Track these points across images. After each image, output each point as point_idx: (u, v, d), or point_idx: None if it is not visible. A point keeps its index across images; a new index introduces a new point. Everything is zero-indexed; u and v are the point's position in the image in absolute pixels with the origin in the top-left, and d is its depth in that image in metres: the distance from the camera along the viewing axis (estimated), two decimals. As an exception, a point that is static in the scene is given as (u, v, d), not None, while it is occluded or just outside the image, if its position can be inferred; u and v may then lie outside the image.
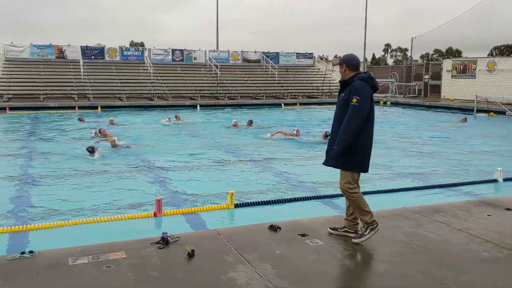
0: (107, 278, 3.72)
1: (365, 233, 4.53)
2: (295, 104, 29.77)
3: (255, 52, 37.76)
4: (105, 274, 3.79)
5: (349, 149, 4.40)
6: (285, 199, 7.44)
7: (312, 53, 39.95)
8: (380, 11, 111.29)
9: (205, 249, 4.34)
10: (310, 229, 4.93)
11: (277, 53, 38.32)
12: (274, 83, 34.71)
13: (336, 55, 71.50)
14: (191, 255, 4.15)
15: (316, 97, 33.28)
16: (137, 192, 8.18)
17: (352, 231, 4.70)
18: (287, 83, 34.97)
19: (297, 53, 39.15)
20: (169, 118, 19.41)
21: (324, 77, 36.23)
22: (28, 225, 5.99)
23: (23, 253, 4.17)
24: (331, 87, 35.68)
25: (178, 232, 4.79)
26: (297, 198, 7.45)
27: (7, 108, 23.53)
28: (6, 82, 28.22)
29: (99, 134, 14.34)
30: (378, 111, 26.61)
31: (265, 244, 4.53)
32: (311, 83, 36.07)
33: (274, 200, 7.39)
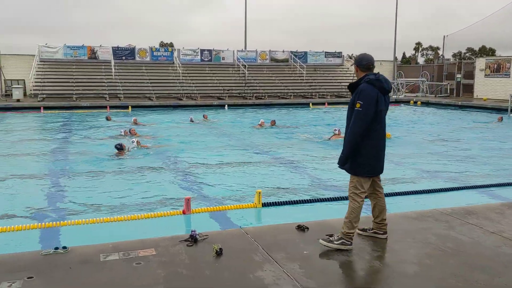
0: (137, 275, 3.79)
1: (335, 242, 4.36)
2: (323, 103, 29.57)
3: (283, 51, 37.69)
4: (135, 271, 3.86)
5: (355, 153, 4.31)
6: (313, 199, 7.40)
7: (341, 52, 39.59)
8: (411, 9, 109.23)
9: (233, 248, 4.36)
10: (338, 230, 4.87)
11: (305, 53, 38.14)
12: (302, 82, 34.58)
13: (365, 54, 70.53)
14: (219, 253, 4.19)
15: (345, 97, 32.94)
16: (165, 190, 8.30)
17: (381, 232, 4.64)
18: (315, 82, 34.77)
19: (325, 52, 38.87)
20: (191, 120, 19.36)
21: (353, 76, 35.86)
22: (61, 222, 6.16)
23: (56, 248, 4.29)
24: (360, 87, 35.32)
25: (206, 230, 4.84)
26: (325, 198, 7.40)
27: (42, 108, 24.23)
28: (40, 82, 29.07)
29: (129, 134, 14.59)
30: (407, 110, 26.24)
31: (292, 244, 4.53)
32: (340, 82, 35.73)
33: (302, 200, 7.36)
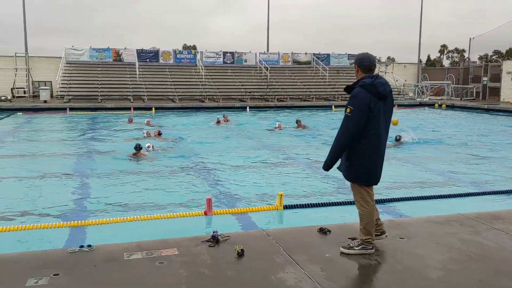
0: (160, 274, 3.83)
1: (355, 247, 4.29)
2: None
3: (306, 53, 37.61)
4: (158, 270, 3.91)
5: (350, 160, 4.20)
6: (335, 202, 7.36)
7: (364, 55, 39.22)
8: (436, 11, 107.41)
9: (254, 249, 4.37)
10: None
11: (328, 55, 37.99)
12: (324, 84, 34.42)
13: (389, 56, 69.94)
14: (240, 254, 4.20)
15: (367, 99, 32.70)
16: (187, 191, 8.38)
17: (379, 233, 4.49)
18: (338, 84, 34.55)
19: (348, 54, 38.62)
20: (218, 121, 19.47)
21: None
22: (86, 220, 6.28)
23: (82, 246, 4.37)
24: (383, 89, 34.97)
25: (228, 231, 4.86)
26: (348, 201, 7.34)
27: (68, 109, 24.73)
28: (66, 84, 29.70)
29: (151, 135, 14.76)
30: (432, 114, 25.82)
31: (314, 246, 4.51)
32: (363, 85, 35.45)
33: (324, 202, 7.32)
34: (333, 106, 28.81)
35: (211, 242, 4.53)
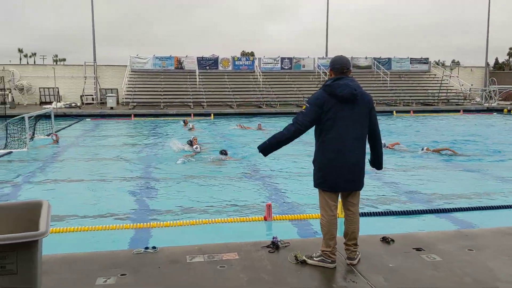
0: (221, 278, 3.88)
1: (314, 258, 4.12)
2: (408, 111, 28.48)
3: (366, 58, 36.92)
4: (219, 273, 3.97)
5: (313, 164, 4.10)
6: (399, 211, 7.13)
7: (427, 58, 37.96)
8: (504, 12, 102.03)
9: (315, 257, 4.32)
10: (426, 244, 4.67)
11: (389, 59, 37.07)
12: (385, 89, 33.60)
13: (453, 60, 67.00)
14: (301, 261, 4.17)
15: (431, 105, 31.55)
16: (247, 196, 8.45)
17: (345, 256, 4.20)
18: (399, 89, 33.62)
19: (411, 58, 37.51)
20: (241, 125, 19.70)
21: (441, 83, 34.20)
22: (150, 223, 6.50)
23: (147, 248, 4.52)
24: (448, 94, 33.64)
25: (286, 238, 4.84)
26: (413, 210, 7.10)
27: (132, 115, 25.80)
28: (131, 91, 31.00)
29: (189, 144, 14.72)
30: (502, 120, 24.39)
31: (377, 256, 4.39)
32: (426, 89, 34.26)
33: (387, 211, 7.11)
34: (394, 112, 28.05)
35: (271, 248, 4.54)
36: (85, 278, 3.85)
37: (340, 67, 4.01)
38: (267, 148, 4.11)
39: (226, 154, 12.09)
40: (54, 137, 15.61)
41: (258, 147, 4.17)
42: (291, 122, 4.00)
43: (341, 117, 3.90)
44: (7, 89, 29.82)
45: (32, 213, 2.91)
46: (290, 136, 4.00)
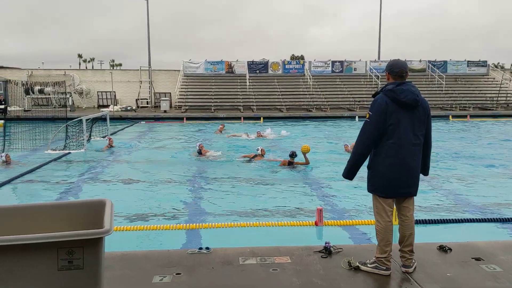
0: (274, 281, 3.90)
1: (368, 264, 4.07)
2: (465, 116, 27.40)
3: (420, 61, 35.88)
4: (272, 277, 3.99)
5: (368, 169, 4.03)
6: (455, 219, 6.86)
7: (486, 61, 36.40)
8: None
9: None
10: (485, 253, 4.48)
11: (445, 62, 35.85)
12: (440, 93, 32.51)
13: (515, 62, 63.74)
14: (354, 267, 4.12)
15: (490, 109, 30.18)
16: (298, 200, 8.43)
17: (401, 264, 4.13)
18: (455, 93, 32.42)
19: (468, 61, 36.09)
20: (247, 134, 18.53)
21: (500, 87, 32.66)
22: (203, 224, 6.63)
23: (200, 248, 4.62)
24: (507, 98, 32.04)
25: (338, 243, 4.78)
26: (472, 219, 6.83)
27: (184, 118, 26.40)
28: (184, 95, 31.75)
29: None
30: None
31: (433, 264, 4.26)
32: (484, 93, 32.83)
33: (444, 219, 6.87)
34: (450, 116, 27.06)
35: (323, 253, 4.51)
36: (142, 276, 3.99)
37: (399, 71, 3.96)
38: (348, 173, 4.13)
39: (294, 156, 11.56)
40: (108, 141, 16.11)
41: (342, 175, 4.23)
42: (359, 135, 4.00)
43: (402, 123, 3.87)
44: (67, 92, 31.37)
45: (95, 212, 3.04)
46: (364, 152, 4.00)
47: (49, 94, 31.87)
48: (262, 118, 26.43)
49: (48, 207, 3.18)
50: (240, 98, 31.21)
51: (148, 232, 6.30)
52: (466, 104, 30.82)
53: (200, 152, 13.30)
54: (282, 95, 31.93)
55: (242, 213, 7.57)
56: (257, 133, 18.23)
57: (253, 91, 32.12)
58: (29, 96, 31.63)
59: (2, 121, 21.70)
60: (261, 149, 12.65)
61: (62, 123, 18.01)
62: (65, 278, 2.58)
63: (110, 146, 15.42)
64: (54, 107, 30.23)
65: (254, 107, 29.89)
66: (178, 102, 30.95)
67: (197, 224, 6.59)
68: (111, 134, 18.43)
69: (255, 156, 12.45)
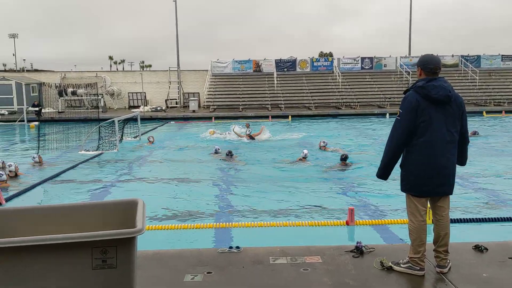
0: (305, 281, 3.87)
1: (401, 264, 3.99)
2: (500, 112, 26.59)
3: (452, 56, 35.00)
4: (302, 276, 3.96)
5: (401, 168, 3.91)
6: (493, 218, 6.67)
7: (521, 55, 35.22)
8: None
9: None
10: (523, 254, 4.33)
11: (478, 56, 34.86)
12: (474, 88, 31.63)
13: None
14: (387, 267, 4.04)
15: (526, 104, 29.19)
16: (329, 199, 8.36)
17: (435, 264, 4.03)
18: (489, 88, 31.49)
19: (502, 55, 34.98)
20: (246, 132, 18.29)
21: None
22: (233, 223, 6.66)
23: (231, 247, 4.63)
24: (545, 92, 30.91)
25: (369, 243, 4.71)
26: (506, 218, 6.61)
27: (213, 118, 26.59)
28: (212, 94, 31.96)
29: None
30: None
31: (469, 264, 4.14)
32: (520, 88, 31.78)
33: (481, 218, 6.68)
34: (484, 112, 26.32)
35: (355, 252, 4.45)
36: (174, 274, 4.03)
37: (433, 67, 3.84)
38: (382, 173, 4.07)
39: (345, 158, 11.41)
40: (151, 139, 16.77)
41: (376, 175, 4.18)
42: (390, 133, 3.92)
43: (435, 120, 3.76)
44: (99, 94, 32.06)
45: (128, 211, 3.09)
46: (397, 150, 3.92)
47: (82, 96, 32.66)
48: (290, 116, 26.34)
49: (82, 207, 3.26)
50: (268, 97, 31.19)
51: (179, 231, 6.37)
52: (500, 99, 29.90)
53: (230, 155, 13.29)
54: (310, 92, 31.73)
55: (272, 212, 7.56)
56: (246, 124, 18.80)
57: (281, 89, 32.03)
58: (62, 98, 32.47)
59: (37, 123, 22.37)
60: (306, 153, 12.40)
61: (94, 124, 18.42)
62: (100, 277, 2.63)
63: (151, 143, 16.45)
64: (87, 109, 30.99)
65: (282, 106, 29.81)
66: (207, 101, 31.19)
67: (228, 223, 6.62)
68: (142, 134, 18.74)
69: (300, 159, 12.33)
